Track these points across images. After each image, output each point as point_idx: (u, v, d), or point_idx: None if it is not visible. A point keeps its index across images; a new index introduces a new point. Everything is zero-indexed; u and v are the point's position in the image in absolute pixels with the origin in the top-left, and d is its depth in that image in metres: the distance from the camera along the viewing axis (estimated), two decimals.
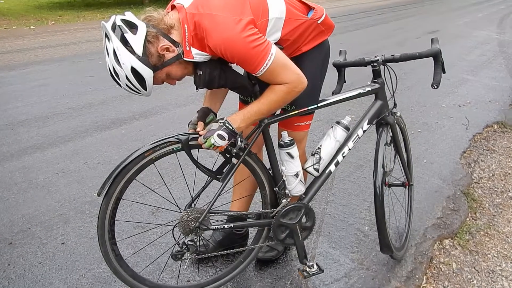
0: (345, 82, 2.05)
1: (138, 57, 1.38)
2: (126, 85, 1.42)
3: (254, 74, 1.49)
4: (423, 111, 4.36)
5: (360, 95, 1.88)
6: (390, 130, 2.04)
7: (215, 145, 1.53)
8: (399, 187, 2.32)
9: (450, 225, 2.48)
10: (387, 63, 1.92)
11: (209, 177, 1.73)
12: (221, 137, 1.51)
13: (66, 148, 3.30)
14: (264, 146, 1.79)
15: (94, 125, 3.81)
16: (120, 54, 1.36)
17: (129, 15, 1.43)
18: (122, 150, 3.30)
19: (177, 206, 1.84)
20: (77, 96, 4.57)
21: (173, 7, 1.52)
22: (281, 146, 1.74)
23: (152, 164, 1.58)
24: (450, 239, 2.37)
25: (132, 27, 1.38)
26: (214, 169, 1.71)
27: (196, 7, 1.45)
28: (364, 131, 1.91)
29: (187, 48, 1.48)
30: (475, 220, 2.56)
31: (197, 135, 1.59)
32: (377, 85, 1.93)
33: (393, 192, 2.51)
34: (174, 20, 1.46)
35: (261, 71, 1.45)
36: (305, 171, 1.86)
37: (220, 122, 1.54)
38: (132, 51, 1.37)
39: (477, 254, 2.26)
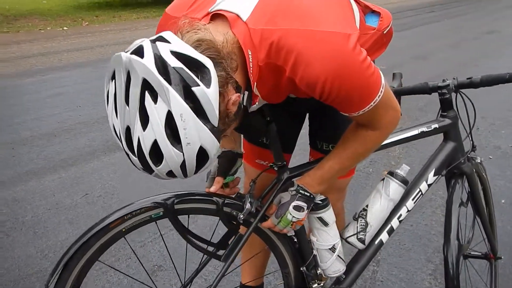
0: (401, 115, 1.47)
1: (212, 129, 0.81)
2: (167, 173, 0.84)
3: (351, 115, 0.98)
4: (492, 130, 3.62)
5: (423, 134, 1.36)
6: (466, 183, 1.49)
7: (293, 222, 1.15)
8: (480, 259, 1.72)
9: None
10: (461, 89, 1.37)
11: (206, 256, 1.27)
12: (298, 208, 1.13)
13: (66, 175, 2.83)
14: None
15: (104, 145, 3.33)
16: (187, 128, 0.77)
17: (176, 42, 0.80)
18: (129, 180, 2.78)
19: None
20: (91, 108, 4.12)
21: (216, 16, 0.91)
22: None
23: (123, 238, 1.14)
24: None
25: (198, 68, 0.78)
26: (214, 240, 1.25)
27: (271, 20, 0.87)
28: (429, 185, 1.40)
29: (254, 90, 0.93)
30: None
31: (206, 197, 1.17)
32: (447, 121, 1.39)
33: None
34: (228, 42, 0.86)
35: (366, 109, 0.95)
36: (345, 241, 1.35)
37: (292, 190, 1.15)
38: (205, 121, 0.79)
39: None
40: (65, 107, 4.11)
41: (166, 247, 1.89)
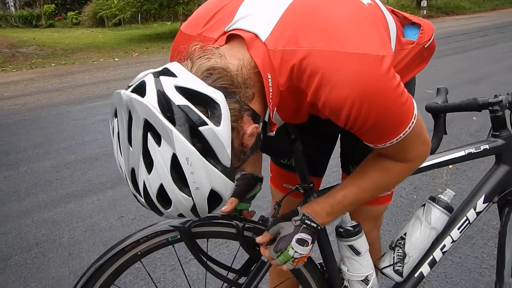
0: (445, 133, 1.35)
1: (223, 170, 0.74)
2: (179, 215, 0.78)
3: (376, 146, 0.88)
4: None
5: (471, 156, 1.23)
6: None
7: (295, 258, 1.01)
8: None
9: None
10: None
11: (227, 284, 1.20)
12: (302, 242, 0.99)
13: (104, 198, 2.86)
14: None
15: None
16: (194, 172, 0.71)
17: (183, 75, 0.73)
18: None
19: None
20: None
21: (233, 36, 0.84)
22: (339, 235, 1.14)
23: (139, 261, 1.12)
24: None
25: (207, 104, 0.72)
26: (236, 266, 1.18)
27: (292, 39, 0.79)
28: (478, 213, 1.27)
29: (273, 116, 0.86)
30: None
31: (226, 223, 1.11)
32: (499, 141, 1.25)
33: None
34: (244, 67, 0.79)
35: (394, 141, 0.86)
36: (380, 272, 1.24)
37: (295, 220, 1.00)
38: (216, 162, 0.73)
39: None
40: (108, 132, 4.19)
41: (186, 275, 1.83)
